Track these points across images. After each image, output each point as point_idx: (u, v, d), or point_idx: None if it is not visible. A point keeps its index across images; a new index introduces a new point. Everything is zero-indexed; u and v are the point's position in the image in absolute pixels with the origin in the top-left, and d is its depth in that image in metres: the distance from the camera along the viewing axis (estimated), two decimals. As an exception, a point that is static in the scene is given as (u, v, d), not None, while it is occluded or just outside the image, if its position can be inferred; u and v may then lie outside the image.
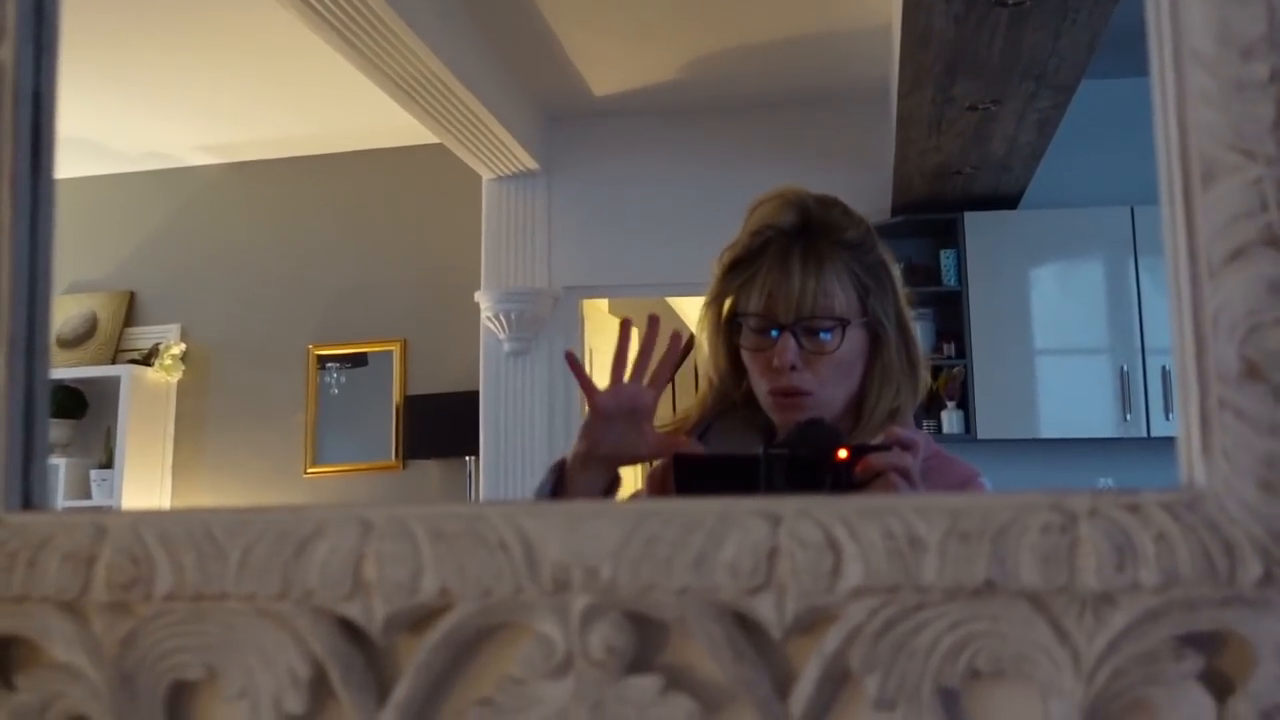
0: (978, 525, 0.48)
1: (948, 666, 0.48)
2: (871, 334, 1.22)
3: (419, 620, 0.52)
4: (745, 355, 1.23)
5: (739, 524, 0.50)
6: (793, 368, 1.17)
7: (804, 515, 0.49)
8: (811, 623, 0.49)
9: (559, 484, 1.17)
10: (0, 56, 0.55)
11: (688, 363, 1.54)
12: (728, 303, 1.26)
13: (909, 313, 1.26)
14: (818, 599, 0.49)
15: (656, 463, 1.25)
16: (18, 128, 0.55)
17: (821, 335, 1.18)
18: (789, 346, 1.17)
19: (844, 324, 1.19)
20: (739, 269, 1.23)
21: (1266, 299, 0.47)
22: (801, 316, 1.18)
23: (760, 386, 1.21)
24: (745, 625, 0.50)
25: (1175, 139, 0.49)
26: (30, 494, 0.54)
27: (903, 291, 1.27)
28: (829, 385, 1.19)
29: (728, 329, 1.26)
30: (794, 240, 1.21)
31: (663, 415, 1.21)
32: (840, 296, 1.19)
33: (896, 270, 1.27)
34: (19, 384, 0.54)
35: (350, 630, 0.52)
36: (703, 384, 1.32)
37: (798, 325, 1.18)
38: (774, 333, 1.19)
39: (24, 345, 0.54)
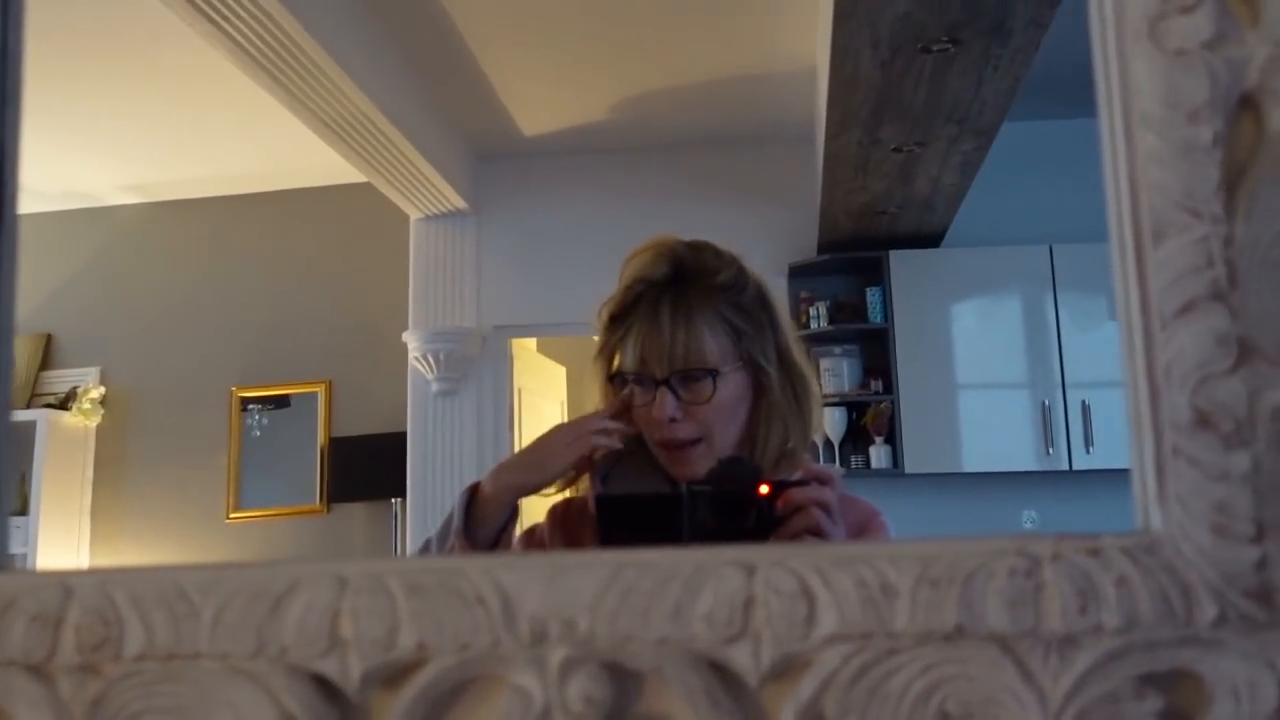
0: (947, 571, 0.50)
1: (919, 711, 0.50)
2: (752, 376, 1.23)
3: (395, 675, 0.52)
4: (632, 410, 1.24)
5: (715, 574, 0.50)
6: (673, 420, 1.19)
7: (779, 565, 0.50)
8: (786, 670, 0.50)
9: (469, 514, 1.18)
10: (-37, 111, 0.55)
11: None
12: (613, 357, 1.27)
13: (796, 346, 1.28)
14: (792, 646, 0.50)
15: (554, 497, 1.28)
16: (-19, 183, 0.55)
17: (697, 386, 1.19)
18: (666, 400, 1.19)
19: (715, 373, 1.20)
20: (616, 324, 1.25)
21: (1215, 351, 0.49)
22: (675, 369, 1.19)
23: (650, 438, 1.23)
24: (722, 674, 0.51)
25: (1126, 197, 0.51)
26: (-6, 554, 0.53)
27: (787, 325, 1.28)
28: (714, 431, 1.20)
29: (614, 383, 1.27)
30: (664, 291, 1.22)
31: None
32: (711, 344, 1.20)
33: (780, 308, 1.28)
34: (-17, 443, 0.53)
35: (326, 687, 0.51)
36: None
37: (672, 377, 1.19)
38: (653, 388, 1.20)
39: (-13, 403, 0.54)
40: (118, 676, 0.52)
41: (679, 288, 1.22)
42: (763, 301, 1.25)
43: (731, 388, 1.21)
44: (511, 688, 0.51)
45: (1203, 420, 0.49)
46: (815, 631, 0.50)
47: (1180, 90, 0.51)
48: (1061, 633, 0.49)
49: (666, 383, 1.19)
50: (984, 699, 0.50)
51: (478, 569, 0.51)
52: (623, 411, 1.23)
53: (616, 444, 1.20)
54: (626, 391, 1.23)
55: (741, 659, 0.50)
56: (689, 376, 1.19)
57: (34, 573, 0.52)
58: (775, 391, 1.23)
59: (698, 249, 1.26)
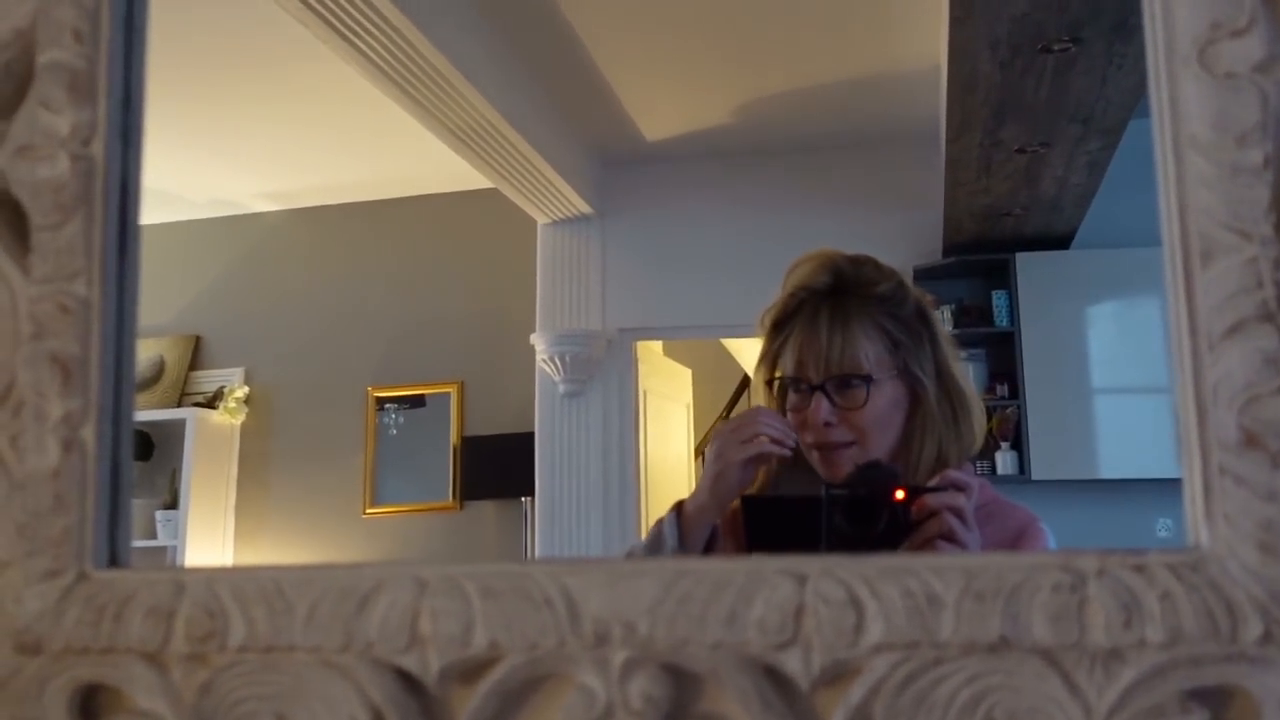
0: (992, 584, 0.51)
1: (966, 718, 0.51)
2: (908, 387, 1.25)
3: (470, 671, 0.55)
4: (789, 414, 1.27)
5: (767, 583, 0.53)
6: (827, 424, 1.21)
7: (828, 574, 0.53)
8: (836, 676, 0.52)
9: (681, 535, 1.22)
10: (92, 151, 0.61)
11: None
12: (775, 363, 1.30)
13: (955, 364, 1.29)
14: (842, 653, 0.52)
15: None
16: (107, 217, 0.60)
17: (852, 392, 1.22)
18: (821, 405, 1.21)
19: (870, 380, 1.22)
20: (777, 330, 1.28)
21: (1263, 371, 0.50)
22: (830, 374, 1.22)
23: (804, 442, 1.25)
24: (774, 678, 0.53)
25: (1176, 219, 0.52)
26: (116, 553, 0.59)
27: (947, 342, 1.29)
28: (866, 438, 1.22)
29: (773, 387, 1.30)
30: (824, 300, 1.25)
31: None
32: (867, 351, 1.22)
33: (939, 322, 1.30)
34: (107, 451, 0.59)
35: (407, 680, 0.55)
36: None
37: (828, 383, 1.22)
38: (809, 393, 1.23)
39: (111, 415, 0.59)
40: (223, 665, 0.57)
41: (839, 296, 1.25)
42: (922, 316, 1.27)
43: (886, 396, 1.23)
44: (576, 686, 0.54)
45: (1250, 440, 0.50)
46: (863, 639, 0.52)
47: (1229, 114, 0.51)
48: (1106, 646, 0.50)
49: (822, 387, 1.22)
50: (1029, 709, 0.51)
51: (545, 573, 0.55)
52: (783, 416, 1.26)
53: (787, 451, 1.22)
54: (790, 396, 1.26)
55: (793, 664, 0.52)
56: (844, 382, 1.22)
57: (150, 569, 0.57)
58: (931, 404, 1.25)
59: (859, 262, 1.28)
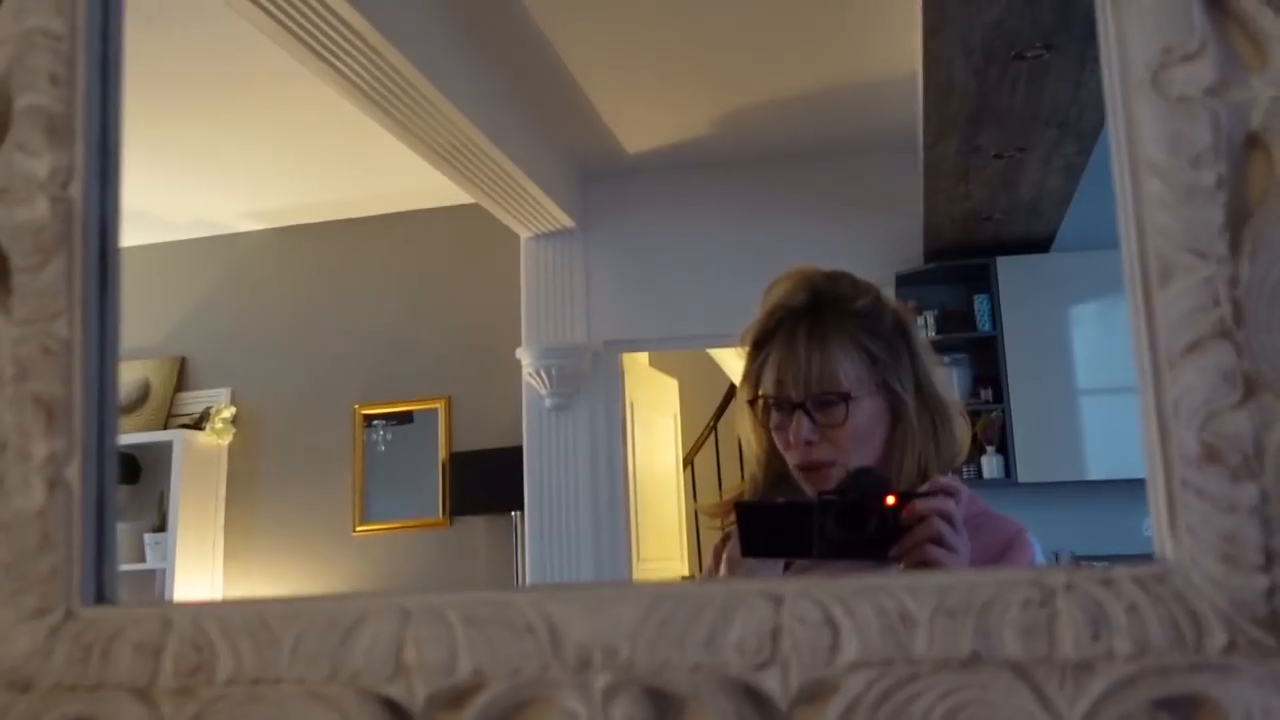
0: (963, 601, 0.52)
1: (942, 732, 0.52)
2: (887, 402, 1.26)
3: (456, 699, 0.56)
4: (773, 432, 1.28)
5: (745, 604, 0.54)
6: (808, 443, 1.22)
7: (803, 595, 0.54)
8: (814, 694, 0.53)
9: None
10: (70, 193, 0.62)
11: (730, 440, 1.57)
12: (757, 381, 1.31)
13: (935, 374, 1.30)
14: (818, 672, 0.53)
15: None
16: (87, 256, 0.61)
17: (832, 410, 1.23)
18: (802, 424, 1.23)
19: (849, 398, 1.23)
20: (758, 349, 1.29)
21: (1221, 387, 0.51)
22: (810, 393, 1.23)
23: (789, 461, 1.27)
24: (754, 698, 0.54)
25: (1135, 239, 0.54)
26: (103, 589, 0.59)
27: (927, 353, 1.30)
28: (849, 454, 1.23)
29: (755, 406, 1.31)
30: (801, 318, 1.26)
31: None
32: (846, 369, 1.23)
33: (918, 333, 1.31)
34: (91, 489, 0.59)
35: (394, 709, 0.56)
36: (749, 463, 1.37)
37: (808, 402, 1.23)
38: (790, 412, 1.24)
39: (95, 453, 0.60)
40: (211, 699, 0.57)
41: (816, 314, 1.26)
42: (901, 330, 1.29)
43: (866, 413, 1.24)
44: (560, 711, 0.55)
45: (1211, 454, 0.51)
46: (839, 658, 0.53)
47: (1183, 136, 0.53)
48: (1075, 659, 0.51)
49: (803, 406, 1.23)
50: (1004, 722, 0.52)
51: (527, 601, 0.56)
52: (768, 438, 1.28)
53: None
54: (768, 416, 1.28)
55: (771, 684, 0.53)
56: (824, 400, 1.23)
57: (135, 606, 0.58)
58: (911, 419, 1.26)
59: (834, 278, 1.29)
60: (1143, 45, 0.54)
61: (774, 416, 1.27)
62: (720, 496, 1.40)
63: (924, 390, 1.28)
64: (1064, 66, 2.60)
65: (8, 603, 0.59)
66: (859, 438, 1.24)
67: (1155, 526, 0.53)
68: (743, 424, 1.34)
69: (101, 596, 0.60)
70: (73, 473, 0.59)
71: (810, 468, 1.24)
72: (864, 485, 1.12)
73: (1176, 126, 0.53)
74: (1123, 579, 0.52)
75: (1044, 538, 1.33)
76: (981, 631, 0.52)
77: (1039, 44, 2.48)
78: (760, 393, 1.28)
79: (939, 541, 1.07)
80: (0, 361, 0.61)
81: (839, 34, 3.66)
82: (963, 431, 1.31)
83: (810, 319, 1.25)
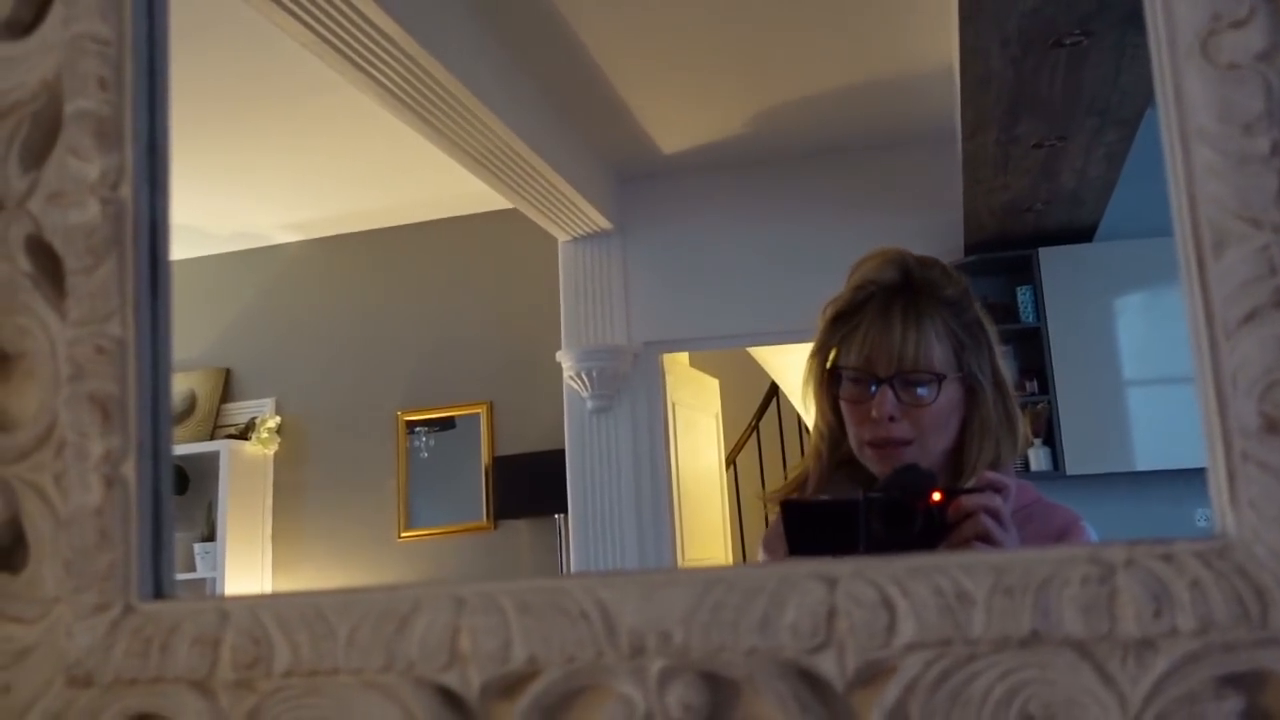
0: (1021, 579, 0.52)
1: (1002, 713, 0.52)
2: (967, 389, 1.26)
3: (511, 686, 0.56)
4: (844, 407, 1.28)
5: (798, 587, 0.54)
6: (890, 419, 1.22)
7: (858, 576, 0.53)
8: (871, 676, 0.53)
9: None
10: (121, 194, 0.62)
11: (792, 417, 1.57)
12: (830, 355, 1.31)
13: (1005, 370, 1.31)
14: (875, 654, 0.53)
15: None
16: (138, 256, 0.62)
17: (919, 389, 1.23)
18: (887, 398, 1.22)
19: (940, 378, 1.23)
20: (840, 322, 1.29)
21: (1280, 357, 0.50)
22: (901, 370, 1.23)
23: (859, 438, 1.26)
24: (810, 681, 0.54)
25: (1187, 211, 0.53)
26: (161, 584, 0.60)
27: (999, 350, 1.31)
28: (926, 437, 1.24)
29: (829, 381, 1.31)
30: (894, 296, 1.26)
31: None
32: (938, 351, 1.24)
33: (992, 329, 1.31)
34: (148, 486, 0.60)
35: (449, 698, 0.56)
36: (813, 437, 1.37)
37: (896, 378, 1.23)
38: (872, 386, 1.24)
39: (150, 451, 0.61)
40: (269, 691, 0.58)
41: (910, 294, 1.26)
42: (980, 323, 1.30)
43: (950, 396, 1.25)
44: (615, 697, 0.55)
45: (1271, 425, 0.50)
46: (896, 639, 0.52)
47: (1234, 104, 0.52)
48: (1137, 636, 0.51)
49: (890, 381, 1.23)
50: (1065, 701, 0.51)
51: (580, 587, 0.56)
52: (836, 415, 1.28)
53: None
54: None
55: (827, 666, 0.53)
56: (912, 379, 1.23)
57: (193, 600, 0.59)
58: (989, 407, 1.27)
59: (927, 263, 1.30)
60: (1191, 12, 0.53)
61: (852, 389, 1.27)
62: (785, 477, 1.39)
63: (998, 381, 1.29)
64: (1103, 52, 2.57)
65: (69, 599, 0.60)
66: (939, 419, 1.24)
67: (1215, 501, 0.52)
68: (809, 397, 1.33)
69: (159, 591, 0.60)
70: (129, 470, 0.60)
71: (886, 444, 1.24)
72: (909, 482, 1.12)
73: (1227, 94, 0.52)
74: (1184, 554, 0.51)
75: (1096, 531, 1.32)
76: (1041, 609, 0.51)
77: (1077, 30, 2.46)
78: (844, 363, 1.28)
79: (986, 538, 1.07)
80: (57, 362, 0.61)
81: (873, 27, 3.64)
82: (1024, 423, 1.32)
83: (905, 298, 1.26)
